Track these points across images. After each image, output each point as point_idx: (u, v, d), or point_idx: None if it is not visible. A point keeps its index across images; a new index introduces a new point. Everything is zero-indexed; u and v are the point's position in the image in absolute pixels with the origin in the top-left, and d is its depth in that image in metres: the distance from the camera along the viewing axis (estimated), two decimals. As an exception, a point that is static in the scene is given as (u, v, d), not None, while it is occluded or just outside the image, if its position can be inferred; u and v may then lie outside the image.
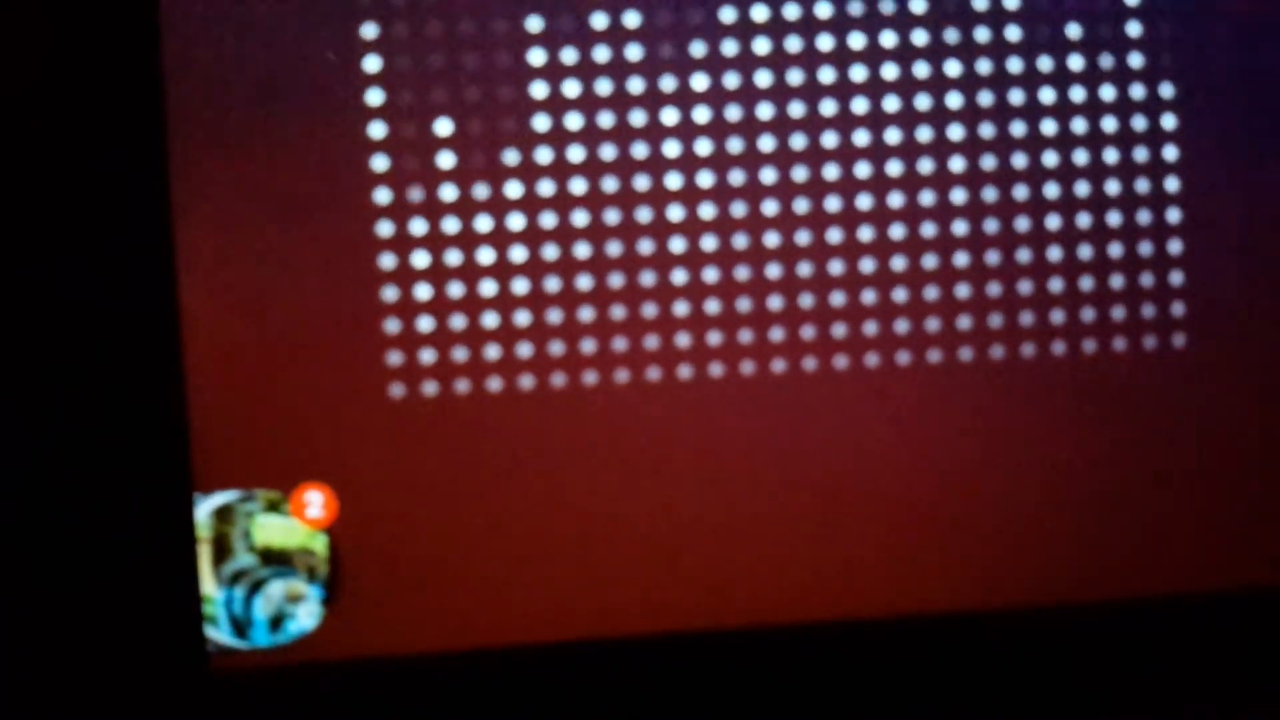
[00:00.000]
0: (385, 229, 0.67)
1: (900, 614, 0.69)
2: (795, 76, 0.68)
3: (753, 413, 0.68)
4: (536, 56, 0.67)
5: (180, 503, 0.67)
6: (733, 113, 0.67)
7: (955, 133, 0.68)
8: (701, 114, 0.67)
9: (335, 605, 0.67)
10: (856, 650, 0.69)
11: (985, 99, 0.68)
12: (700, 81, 0.67)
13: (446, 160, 0.67)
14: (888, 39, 0.68)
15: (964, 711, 0.69)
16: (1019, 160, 0.68)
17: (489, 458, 0.67)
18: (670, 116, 0.67)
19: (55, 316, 0.66)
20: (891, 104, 0.68)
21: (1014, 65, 0.68)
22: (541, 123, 0.67)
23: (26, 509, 0.66)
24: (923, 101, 0.68)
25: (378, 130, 0.66)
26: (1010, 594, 0.69)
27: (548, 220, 0.67)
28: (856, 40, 0.68)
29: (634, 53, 0.67)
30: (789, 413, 0.68)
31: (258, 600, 0.67)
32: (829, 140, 0.68)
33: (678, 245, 0.68)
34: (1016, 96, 0.68)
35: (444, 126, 0.67)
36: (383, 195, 0.67)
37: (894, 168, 0.68)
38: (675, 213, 0.67)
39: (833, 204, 0.68)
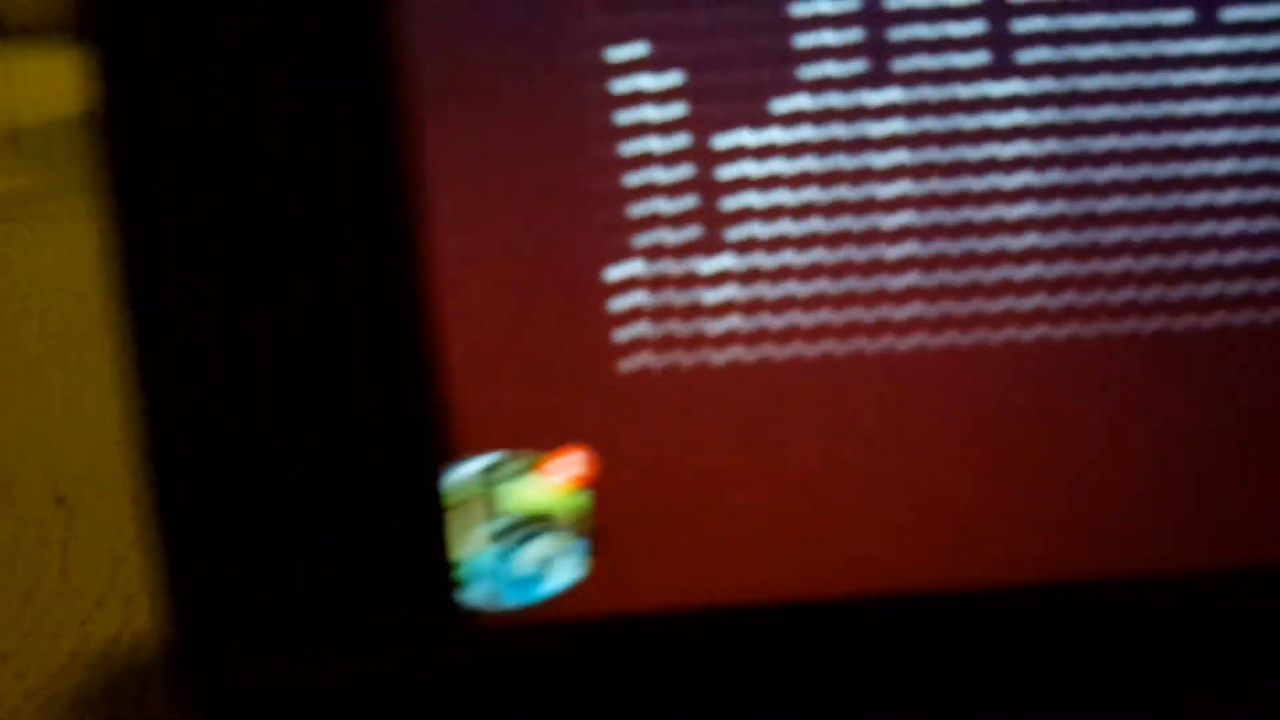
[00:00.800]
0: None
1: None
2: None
3: (975, 384, 0.71)
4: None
5: (437, 469, 0.70)
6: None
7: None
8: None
9: (593, 562, 0.71)
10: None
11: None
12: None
13: (681, 140, 0.70)
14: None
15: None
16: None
17: (736, 425, 0.71)
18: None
19: (317, 307, 0.69)
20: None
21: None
22: (779, 103, 0.70)
23: (295, 478, 0.69)
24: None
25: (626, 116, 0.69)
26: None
27: (784, 196, 0.70)
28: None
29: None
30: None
31: (518, 558, 0.71)
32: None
33: (891, 221, 0.71)
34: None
35: (676, 109, 0.69)
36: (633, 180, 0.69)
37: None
38: (892, 190, 0.71)
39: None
